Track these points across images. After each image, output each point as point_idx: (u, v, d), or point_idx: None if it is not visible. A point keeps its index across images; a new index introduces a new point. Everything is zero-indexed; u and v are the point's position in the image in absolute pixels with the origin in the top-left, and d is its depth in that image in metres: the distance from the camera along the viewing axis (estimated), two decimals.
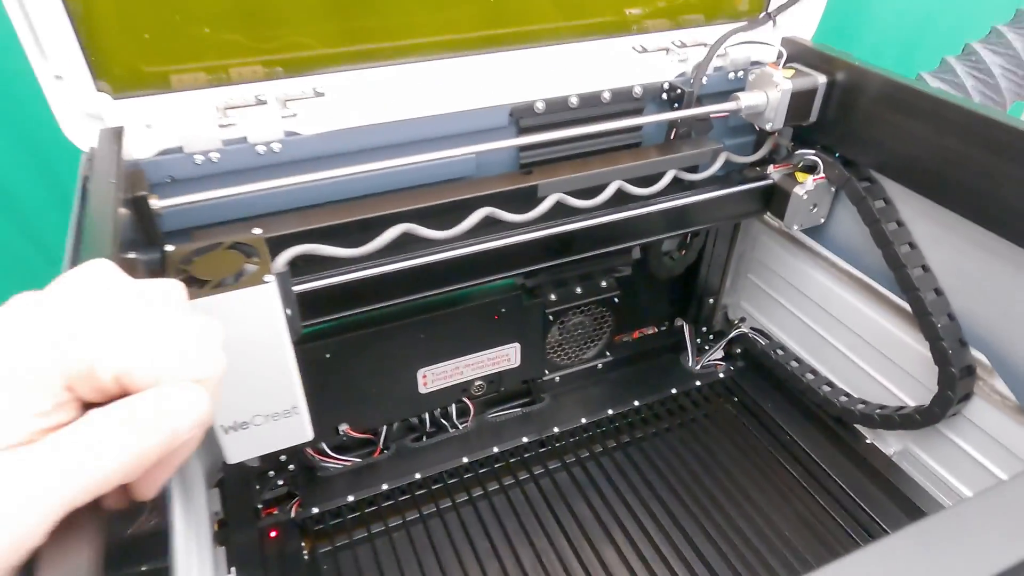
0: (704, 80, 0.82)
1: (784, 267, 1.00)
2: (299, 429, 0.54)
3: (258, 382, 0.50)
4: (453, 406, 0.99)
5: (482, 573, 0.84)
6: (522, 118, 0.77)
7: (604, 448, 1.00)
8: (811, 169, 0.85)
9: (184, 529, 0.56)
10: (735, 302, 1.14)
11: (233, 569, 0.75)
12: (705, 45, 0.84)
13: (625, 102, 0.81)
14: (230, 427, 0.51)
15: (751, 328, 1.10)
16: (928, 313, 0.76)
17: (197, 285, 0.47)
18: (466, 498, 0.93)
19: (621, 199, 0.78)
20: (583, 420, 1.03)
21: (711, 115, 0.83)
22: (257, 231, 0.55)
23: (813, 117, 0.82)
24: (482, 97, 0.75)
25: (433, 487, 0.94)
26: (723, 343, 1.13)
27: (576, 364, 1.06)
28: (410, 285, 0.72)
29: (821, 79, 0.79)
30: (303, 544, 0.87)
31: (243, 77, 0.70)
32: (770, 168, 0.87)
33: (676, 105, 0.83)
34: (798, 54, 0.82)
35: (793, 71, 0.79)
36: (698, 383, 1.10)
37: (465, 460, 0.97)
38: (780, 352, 1.04)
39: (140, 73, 0.66)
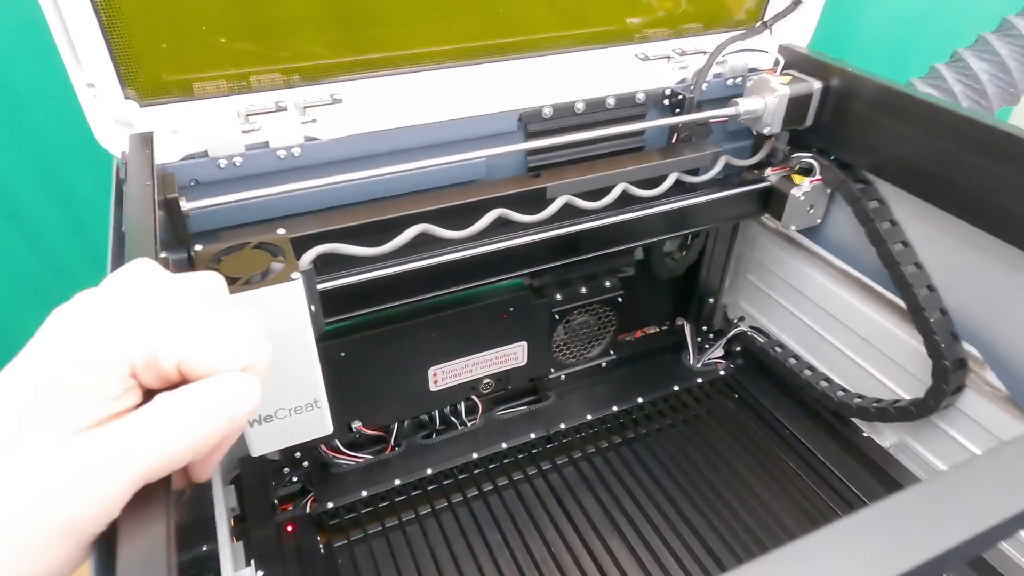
0: (704, 86, 0.85)
1: (782, 267, 1.03)
2: (320, 422, 0.55)
3: (283, 376, 0.51)
4: (462, 404, 1.01)
5: (494, 564, 0.86)
6: (530, 123, 0.80)
7: (609, 444, 1.03)
8: (807, 171, 0.88)
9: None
10: (734, 301, 1.16)
11: (252, 562, 0.77)
12: (705, 53, 0.87)
13: (629, 107, 0.84)
14: (255, 420, 0.52)
15: (750, 327, 1.12)
16: (921, 309, 0.79)
17: (227, 282, 0.50)
18: (476, 492, 0.95)
19: (625, 201, 0.81)
20: (588, 417, 1.06)
21: (711, 120, 0.86)
22: (281, 231, 0.57)
23: (809, 121, 0.85)
24: (492, 103, 0.78)
25: (444, 482, 0.96)
26: (723, 341, 1.15)
27: (581, 362, 1.09)
28: (426, 284, 0.75)
29: (816, 85, 0.82)
30: (319, 538, 0.88)
31: (263, 85, 0.72)
32: (768, 171, 0.90)
33: (677, 110, 0.86)
34: (794, 61, 0.85)
35: (789, 77, 0.82)
36: (699, 380, 1.13)
37: (475, 456, 0.99)
38: (779, 349, 1.07)
39: (164, 82, 0.68)
